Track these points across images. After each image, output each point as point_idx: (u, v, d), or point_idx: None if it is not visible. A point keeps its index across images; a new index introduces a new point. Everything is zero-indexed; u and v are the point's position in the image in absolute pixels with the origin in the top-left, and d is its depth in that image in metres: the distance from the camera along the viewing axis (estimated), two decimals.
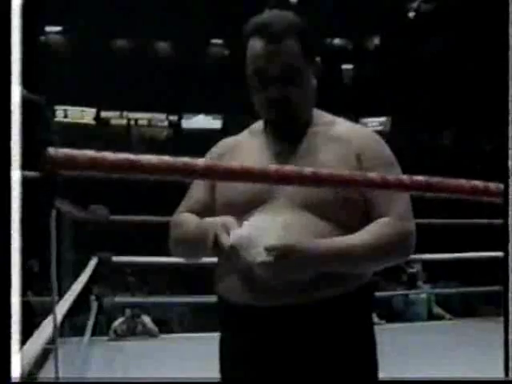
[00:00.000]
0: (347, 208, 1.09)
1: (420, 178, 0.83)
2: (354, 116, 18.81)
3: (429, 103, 17.30)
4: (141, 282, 7.85)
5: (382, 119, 19.01)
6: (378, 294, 6.35)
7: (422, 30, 18.54)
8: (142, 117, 18.74)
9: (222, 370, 1.16)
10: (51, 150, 0.66)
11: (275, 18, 1.12)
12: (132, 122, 18.71)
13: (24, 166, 0.62)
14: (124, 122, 18.70)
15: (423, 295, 6.05)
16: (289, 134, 1.16)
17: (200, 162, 0.71)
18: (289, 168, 0.76)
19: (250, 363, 1.10)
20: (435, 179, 0.82)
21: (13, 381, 0.58)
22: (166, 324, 6.28)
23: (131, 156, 0.68)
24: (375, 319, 5.25)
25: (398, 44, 18.81)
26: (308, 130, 1.16)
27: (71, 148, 0.67)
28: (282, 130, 1.16)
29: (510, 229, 0.94)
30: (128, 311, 4.53)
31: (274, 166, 0.75)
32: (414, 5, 19.35)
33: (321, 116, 1.20)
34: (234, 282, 1.10)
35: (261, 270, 1.03)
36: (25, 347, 1.34)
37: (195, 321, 6.41)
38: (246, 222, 1.05)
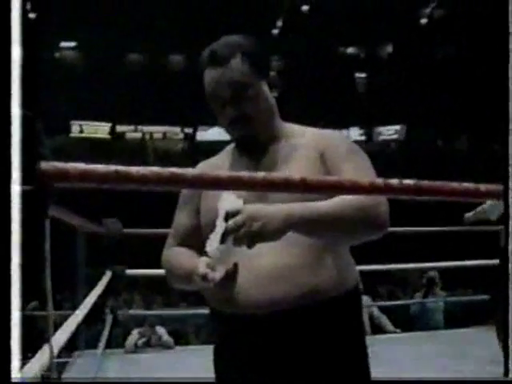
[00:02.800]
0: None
1: (409, 181, 0.83)
2: (367, 125, 18.76)
3: (443, 110, 17.17)
4: (155, 294, 7.87)
5: (397, 127, 18.92)
6: (394, 302, 6.31)
7: (435, 36, 18.44)
8: (157, 130, 18.90)
9: (217, 378, 1.19)
10: (43, 164, 0.68)
11: (222, 44, 1.19)
12: (147, 136, 18.87)
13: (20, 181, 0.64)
14: (139, 135, 18.86)
15: (441, 303, 5.96)
16: (255, 149, 1.19)
17: (189, 171, 0.73)
18: (276, 175, 0.77)
19: (240, 370, 1.12)
20: (425, 182, 0.83)
21: (13, 381, 0.60)
22: (182, 336, 6.28)
23: (120, 167, 0.70)
24: (390, 327, 5.18)
25: (411, 51, 18.68)
26: (275, 143, 1.20)
27: (87, 163, 0.70)
28: (247, 145, 1.20)
29: (510, 229, 0.95)
30: (144, 324, 4.55)
31: (261, 174, 0.76)
32: (427, 11, 19.24)
33: (288, 128, 1.23)
34: (232, 285, 1.11)
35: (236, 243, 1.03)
36: (29, 364, 1.36)
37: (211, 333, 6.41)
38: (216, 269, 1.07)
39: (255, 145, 1.19)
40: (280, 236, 1.03)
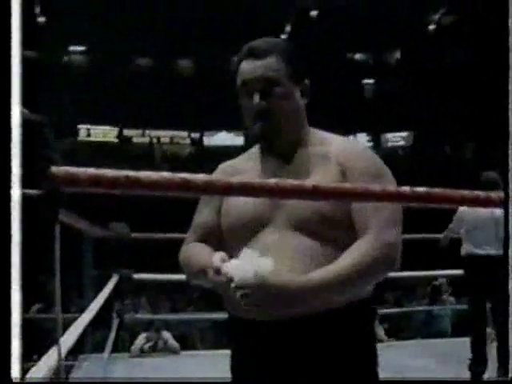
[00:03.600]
0: (337, 226, 1.11)
1: (420, 189, 0.83)
2: (374, 131, 18.69)
3: (451, 116, 17.09)
4: (162, 298, 7.87)
5: (405, 134, 18.87)
6: (395, 310, 6.23)
7: (443, 42, 18.38)
8: (165, 134, 18.94)
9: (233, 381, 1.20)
10: (53, 168, 0.68)
11: (262, 41, 1.22)
12: (154, 140, 18.92)
13: (27, 184, 0.64)
14: (146, 139, 18.92)
15: (448, 310, 5.90)
16: (280, 153, 1.19)
17: (199, 177, 0.73)
18: (289, 182, 0.77)
19: (258, 376, 1.13)
20: (436, 190, 0.82)
21: (13, 381, 0.59)
22: (188, 340, 6.27)
23: (130, 173, 0.70)
24: (383, 337, 5.06)
25: (420, 57, 18.63)
26: (300, 149, 1.19)
27: (94, 167, 0.69)
28: (271, 145, 1.19)
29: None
30: (151, 328, 4.55)
31: (273, 180, 0.75)
32: (435, 17, 19.18)
33: (315, 135, 1.23)
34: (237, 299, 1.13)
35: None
36: (38, 364, 1.36)
37: (217, 337, 6.40)
38: (229, 263, 1.07)
39: (278, 146, 1.19)
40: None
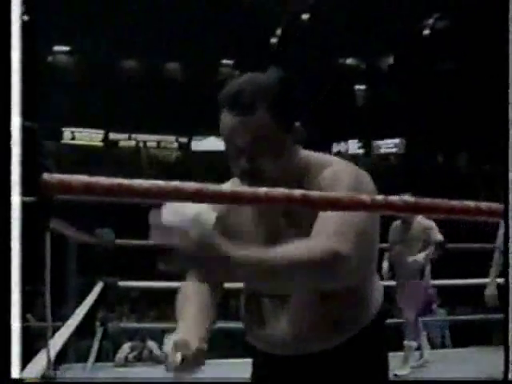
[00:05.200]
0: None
1: (410, 198, 0.84)
2: (366, 138, 18.48)
3: (444, 124, 16.84)
4: (147, 307, 7.81)
5: (397, 141, 18.65)
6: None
7: (437, 48, 17.92)
8: (151, 139, 18.79)
9: None
10: (46, 176, 0.68)
11: (244, 86, 1.07)
12: (141, 144, 18.76)
13: (21, 192, 0.64)
14: (133, 143, 18.75)
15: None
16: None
17: (191, 185, 0.73)
18: (278, 190, 0.77)
19: None
20: (425, 200, 0.83)
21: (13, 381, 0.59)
22: None
23: (124, 180, 0.70)
24: None
25: (413, 63, 18.18)
26: (287, 182, 1.06)
27: (78, 170, 0.69)
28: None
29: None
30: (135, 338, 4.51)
31: (263, 189, 0.76)
32: (429, 22, 18.97)
33: (308, 164, 1.13)
34: (260, 333, 1.17)
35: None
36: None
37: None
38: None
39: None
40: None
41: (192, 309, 1.10)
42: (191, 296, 1.14)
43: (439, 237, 3.85)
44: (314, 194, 0.80)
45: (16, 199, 0.66)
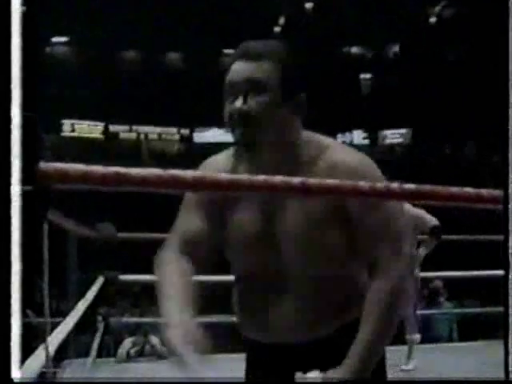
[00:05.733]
0: (331, 226, 1.10)
1: (410, 185, 0.83)
2: (372, 128, 18.04)
3: (451, 113, 16.42)
4: (149, 302, 7.81)
5: (403, 131, 18.43)
6: None
7: (444, 36, 17.61)
8: (153, 131, 18.63)
9: None
10: (43, 165, 0.67)
11: (260, 43, 1.13)
12: (142, 136, 18.61)
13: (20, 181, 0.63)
14: (133, 135, 18.59)
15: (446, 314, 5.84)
16: (264, 167, 1.10)
17: (189, 173, 0.73)
18: (277, 178, 0.77)
19: None
20: (426, 187, 0.83)
21: (13, 381, 0.59)
22: None
23: (121, 169, 0.69)
24: None
25: (419, 52, 17.88)
26: (287, 164, 1.10)
27: (79, 163, 0.69)
28: (246, 151, 1.11)
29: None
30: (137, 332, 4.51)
31: (262, 177, 0.75)
32: (436, 10, 18.49)
33: (309, 145, 1.12)
34: (251, 322, 1.19)
35: None
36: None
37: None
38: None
39: (261, 159, 1.10)
40: None
41: (180, 293, 1.10)
42: (178, 275, 1.12)
43: (433, 222, 3.72)
44: (314, 181, 0.79)
45: (16, 189, 0.65)
